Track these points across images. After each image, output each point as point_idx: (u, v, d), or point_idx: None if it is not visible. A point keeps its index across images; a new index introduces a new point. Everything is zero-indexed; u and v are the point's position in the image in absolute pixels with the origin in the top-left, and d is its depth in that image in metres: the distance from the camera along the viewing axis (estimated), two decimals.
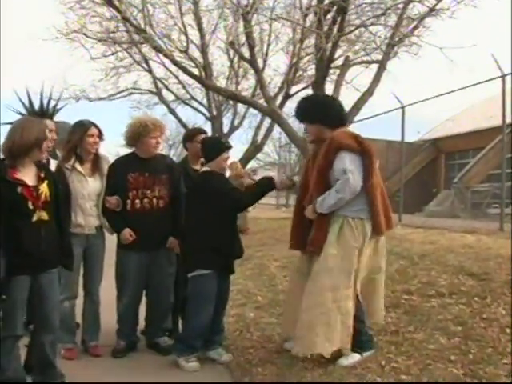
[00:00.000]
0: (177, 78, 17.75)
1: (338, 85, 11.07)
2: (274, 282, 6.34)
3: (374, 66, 11.24)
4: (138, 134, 4.26)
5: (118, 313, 4.40)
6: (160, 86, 18.96)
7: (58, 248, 3.39)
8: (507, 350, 3.66)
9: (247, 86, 18.08)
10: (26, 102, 4.29)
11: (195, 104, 19.50)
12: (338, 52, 10.97)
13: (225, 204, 3.99)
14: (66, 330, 4.07)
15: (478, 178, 16.52)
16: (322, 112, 3.96)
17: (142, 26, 11.63)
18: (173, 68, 15.93)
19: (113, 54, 15.02)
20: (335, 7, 9.44)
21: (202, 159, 4.35)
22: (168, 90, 19.12)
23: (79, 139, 4.17)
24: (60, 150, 4.40)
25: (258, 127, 18.50)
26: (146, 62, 17.35)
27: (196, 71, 13.65)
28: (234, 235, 4.18)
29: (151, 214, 4.25)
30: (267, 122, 17.52)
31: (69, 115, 4.80)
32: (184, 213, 4.23)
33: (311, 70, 13.38)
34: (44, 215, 3.28)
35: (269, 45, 15.01)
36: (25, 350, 3.53)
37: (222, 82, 17.42)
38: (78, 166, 4.18)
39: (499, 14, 15.48)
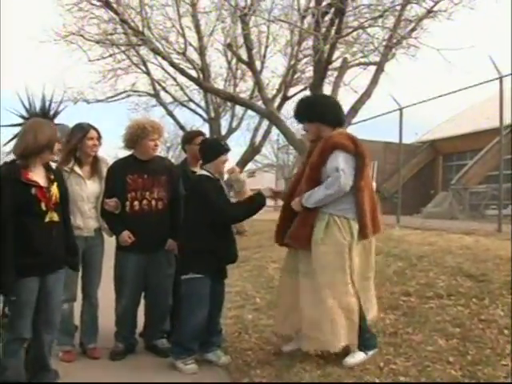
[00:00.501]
0: (175, 79, 17.73)
1: (335, 86, 11.06)
2: (272, 283, 6.34)
3: (372, 68, 11.22)
4: (137, 136, 4.26)
5: (117, 315, 4.40)
6: (158, 88, 18.94)
7: (65, 248, 3.45)
8: (506, 352, 3.67)
9: (245, 87, 18.07)
10: (26, 104, 4.29)
11: (193, 106, 19.47)
12: (336, 54, 10.93)
13: (209, 212, 3.95)
14: (65, 333, 4.08)
15: (475, 179, 16.54)
16: (321, 110, 4.00)
17: (140, 28, 11.61)
18: (171, 70, 15.92)
19: (111, 55, 14.98)
20: (333, 9, 9.43)
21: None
22: (166, 91, 19.08)
23: (78, 142, 4.18)
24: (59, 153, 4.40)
25: (256, 129, 18.46)
26: (144, 64, 17.33)
27: (194, 73, 13.63)
28: (228, 239, 4.15)
29: (150, 216, 4.26)
30: (265, 123, 17.49)
31: (67, 118, 4.79)
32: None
33: (309, 72, 13.36)
34: (55, 216, 3.36)
35: (267, 47, 14.99)
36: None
37: (219, 84, 17.40)
38: (76, 169, 4.19)
39: (496, 15, 15.53)
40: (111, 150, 16.26)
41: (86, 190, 4.20)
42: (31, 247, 3.22)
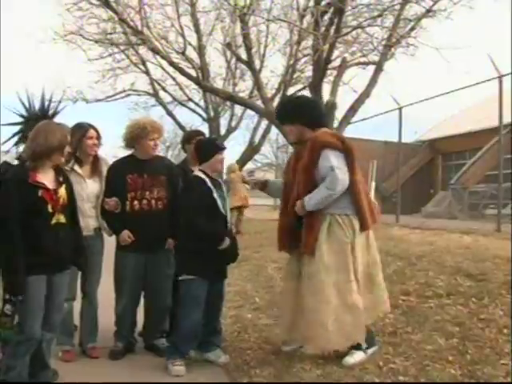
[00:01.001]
0: (174, 79, 17.72)
1: (335, 86, 11.06)
2: (272, 283, 6.34)
3: (371, 67, 11.23)
4: (137, 135, 4.27)
5: (116, 314, 4.40)
6: (157, 87, 18.94)
7: (72, 250, 3.45)
8: (505, 351, 3.68)
9: (244, 87, 18.07)
10: (26, 103, 4.29)
11: (192, 105, 19.49)
12: (335, 53, 10.93)
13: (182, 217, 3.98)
14: (65, 332, 4.07)
15: (475, 178, 16.53)
16: (303, 112, 4.01)
17: (139, 27, 11.63)
18: (170, 69, 15.92)
19: (110, 55, 14.98)
20: (332, 8, 9.44)
21: None
22: (165, 91, 19.09)
23: (78, 141, 4.18)
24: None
25: (256, 128, 18.50)
26: (143, 63, 17.32)
27: (193, 72, 13.62)
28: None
29: (150, 216, 4.25)
30: (264, 123, 17.51)
31: (66, 117, 4.79)
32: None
33: (308, 72, 13.34)
34: (62, 218, 3.36)
35: (266, 46, 14.99)
36: None
37: (219, 84, 17.40)
38: (76, 168, 4.19)
39: (495, 15, 15.53)
40: (111, 149, 16.25)
41: (86, 189, 4.20)
42: (38, 248, 3.22)
